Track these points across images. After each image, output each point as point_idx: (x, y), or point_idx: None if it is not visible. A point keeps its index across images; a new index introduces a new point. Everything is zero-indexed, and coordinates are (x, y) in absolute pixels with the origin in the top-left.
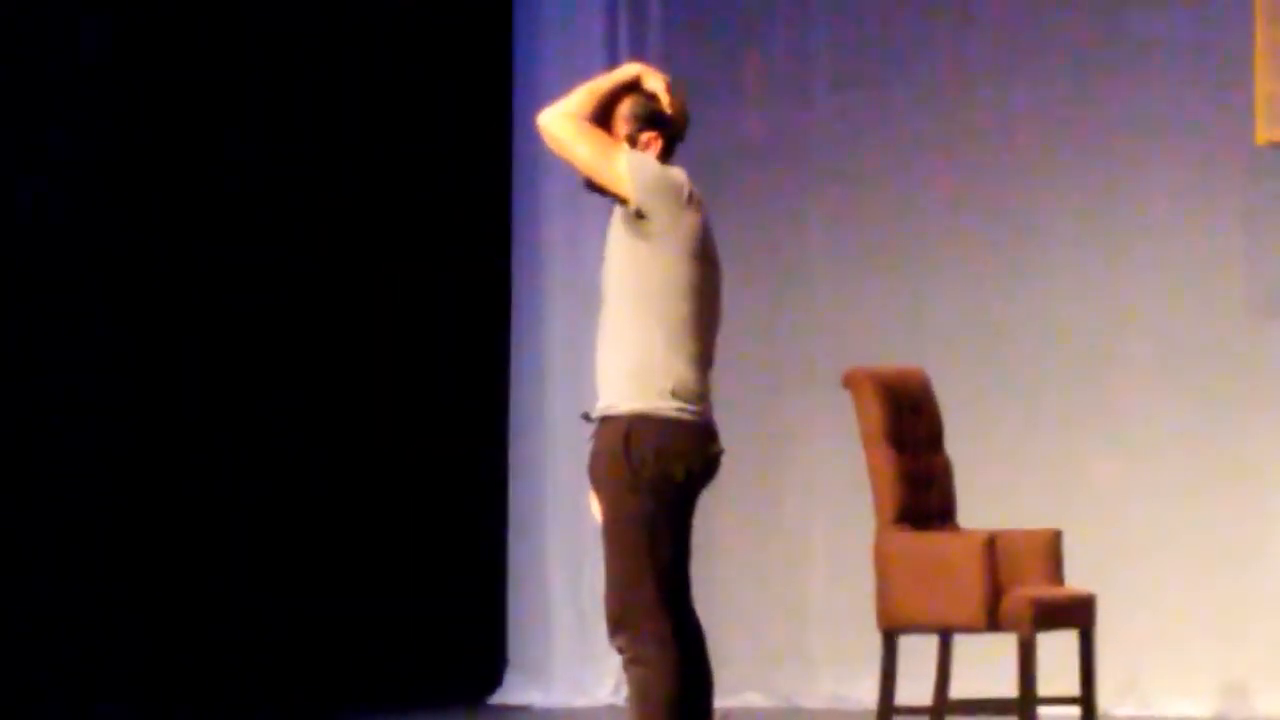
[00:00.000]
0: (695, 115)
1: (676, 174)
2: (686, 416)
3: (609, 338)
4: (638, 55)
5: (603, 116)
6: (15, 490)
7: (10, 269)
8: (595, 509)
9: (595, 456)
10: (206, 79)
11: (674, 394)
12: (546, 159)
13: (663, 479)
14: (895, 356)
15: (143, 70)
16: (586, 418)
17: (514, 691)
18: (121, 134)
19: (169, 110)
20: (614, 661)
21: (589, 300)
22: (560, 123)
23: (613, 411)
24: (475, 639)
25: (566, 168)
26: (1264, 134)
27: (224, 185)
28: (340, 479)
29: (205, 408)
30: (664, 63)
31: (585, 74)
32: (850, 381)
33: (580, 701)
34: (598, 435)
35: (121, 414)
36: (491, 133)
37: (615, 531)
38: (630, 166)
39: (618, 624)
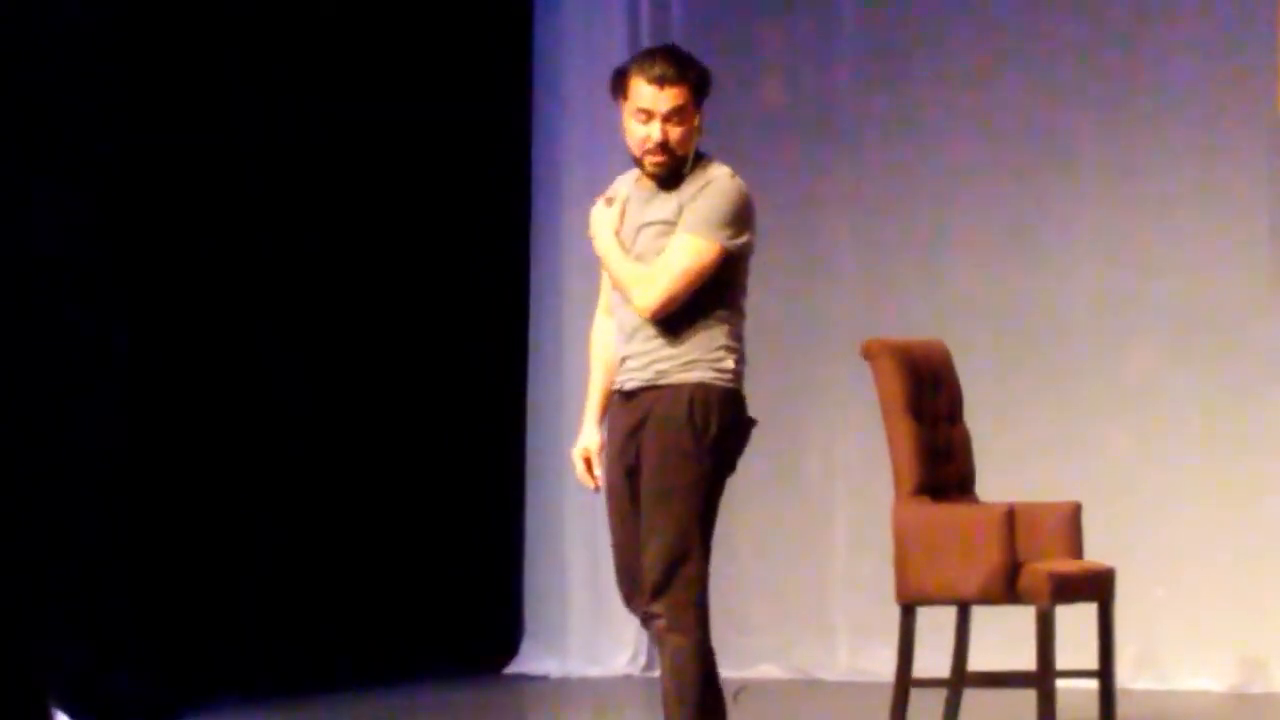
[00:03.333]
0: (717, 85)
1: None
2: (737, 386)
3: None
4: (661, 27)
5: None
6: (43, 482)
7: (28, 266)
8: (596, 476)
9: (661, 421)
10: (222, 64)
11: (733, 366)
12: (567, 148)
13: (723, 448)
14: (915, 328)
15: (152, 63)
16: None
17: (530, 661)
18: (131, 132)
19: (181, 98)
20: (631, 631)
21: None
22: (668, 295)
23: (671, 380)
24: (492, 608)
25: (586, 154)
26: None
27: (238, 178)
28: (360, 452)
29: (230, 387)
30: (687, 32)
31: (607, 49)
32: (870, 353)
33: (596, 671)
34: (656, 401)
35: (149, 385)
36: (512, 119)
37: (676, 498)
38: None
39: (659, 590)
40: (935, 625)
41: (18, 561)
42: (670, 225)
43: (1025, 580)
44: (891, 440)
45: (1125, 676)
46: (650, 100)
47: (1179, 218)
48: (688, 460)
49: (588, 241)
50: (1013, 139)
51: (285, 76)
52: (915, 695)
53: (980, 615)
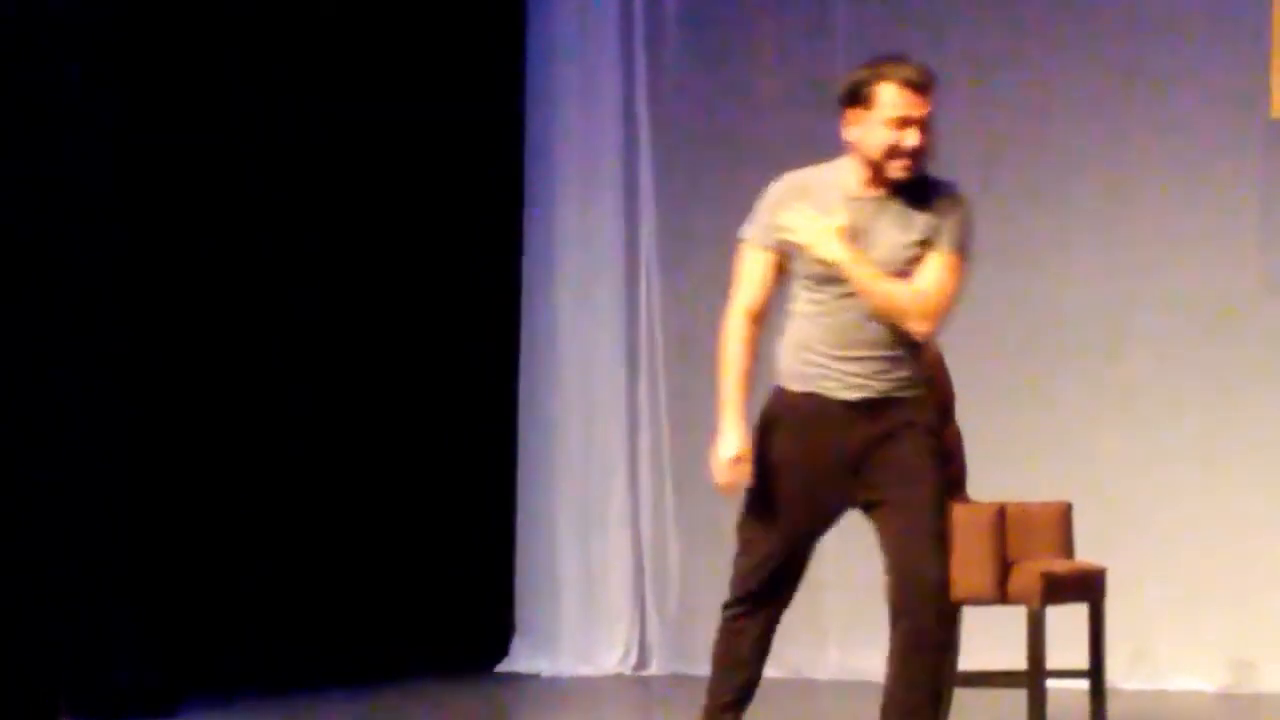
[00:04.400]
0: (711, 80)
1: None
2: None
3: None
4: (654, 21)
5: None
6: (38, 479)
7: (27, 265)
8: (738, 472)
9: (921, 430)
10: (219, 65)
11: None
12: (560, 146)
13: None
14: None
15: (149, 64)
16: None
17: (521, 660)
18: (128, 132)
19: (177, 99)
20: (622, 630)
21: (598, 276)
22: (944, 316)
23: (914, 392)
24: (484, 607)
25: (580, 154)
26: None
27: (236, 178)
28: (355, 451)
29: (227, 388)
30: (682, 36)
31: (599, 44)
32: None
33: (587, 670)
34: (902, 410)
35: (147, 384)
36: (504, 117)
37: (942, 504)
38: None
39: (941, 595)
40: None
41: (19, 559)
42: (925, 243)
43: (1016, 580)
44: None
45: (1116, 676)
46: (907, 105)
47: (1171, 220)
48: (939, 466)
49: (581, 242)
50: (1010, 140)
51: (284, 77)
52: None
53: (971, 615)
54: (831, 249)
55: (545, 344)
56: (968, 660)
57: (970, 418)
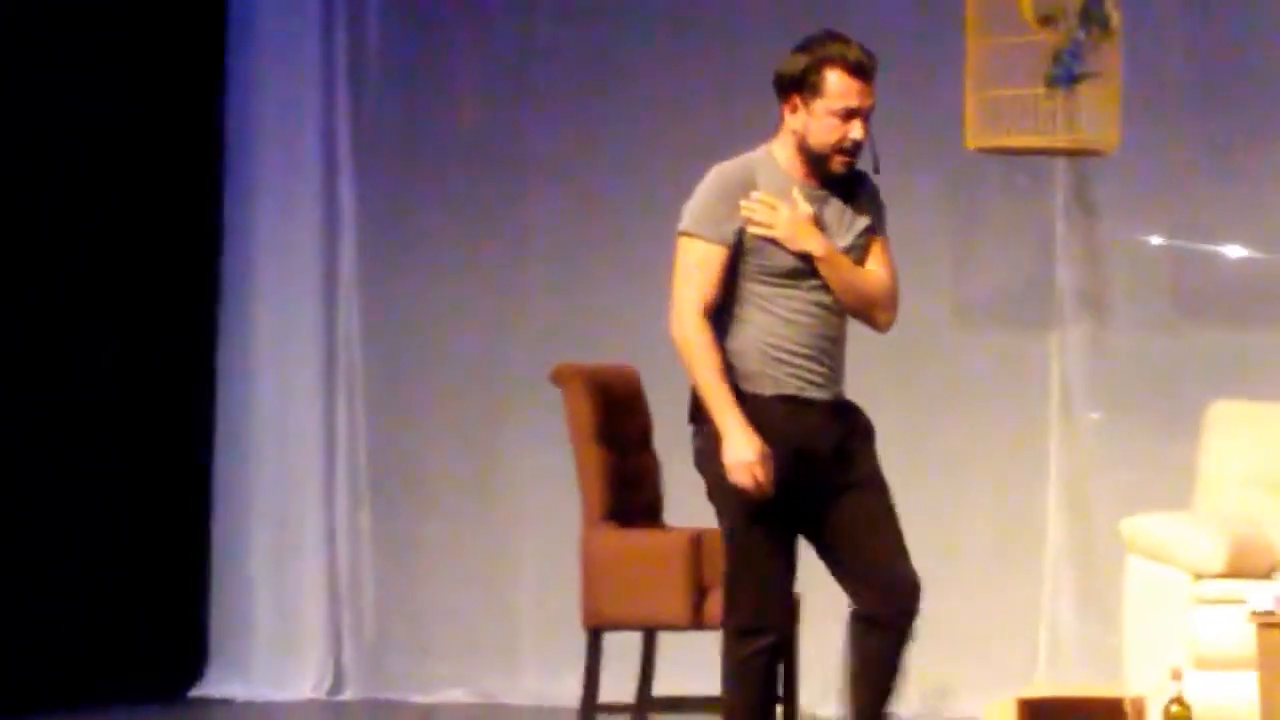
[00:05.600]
0: (411, 105)
1: None
2: None
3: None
4: (356, 37)
5: None
6: None
7: None
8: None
9: (870, 432)
10: None
11: None
12: (259, 139)
13: None
14: (607, 354)
15: None
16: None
17: (215, 684)
18: None
19: None
20: (316, 655)
21: (300, 287)
22: (897, 303)
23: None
24: (177, 632)
25: (281, 149)
26: (974, 139)
27: None
28: (34, 471)
29: None
30: (381, 47)
31: (300, 57)
32: (560, 378)
33: (281, 695)
34: (856, 412)
35: None
36: (201, 111)
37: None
38: None
39: (917, 591)
40: (621, 651)
41: None
42: (866, 232)
43: (711, 606)
44: (580, 466)
45: (811, 702)
46: (857, 96)
47: None
48: None
49: (280, 254)
50: (699, 169)
51: None
52: None
53: (667, 640)
54: (811, 241)
55: (240, 362)
56: (664, 685)
57: (670, 445)
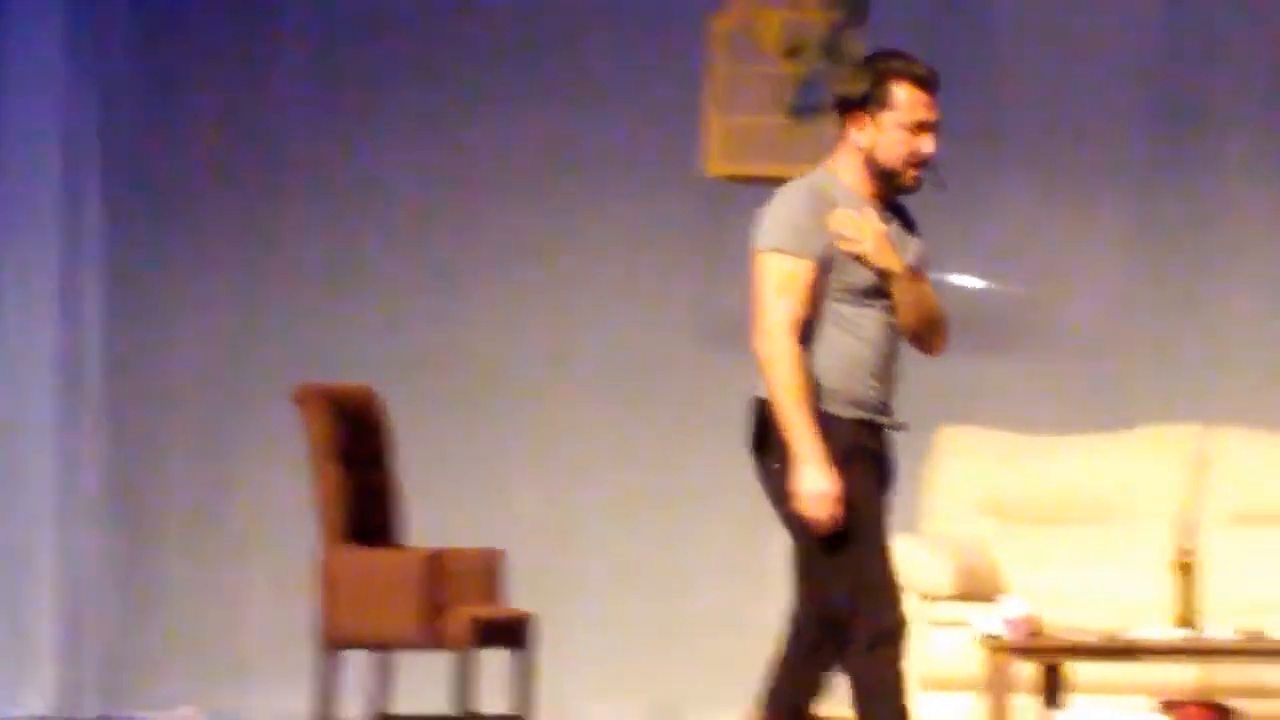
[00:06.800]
0: (155, 120)
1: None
2: None
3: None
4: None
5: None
6: None
7: None
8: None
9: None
10: None
11: None
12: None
13: None
14: (350, 374)
15: None
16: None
17: None
18: None
19: None
20: (47, 671)
21: (39, 308)
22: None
23: None
24: None
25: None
26: (715, 166)
27: None
28: None
29: None
30: (133, 51)
31: (43, 55)
32: (300, 397)
33: (15, 712)
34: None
35: None
36: None
37: None
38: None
39: None
40: (357, 669)
41: None
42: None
43: (447, 625)
44: (318, 485)
45: None
46: (925, 108)
47: (611, 274)
48: None
49: (16, 263)
50: (466, 189)
51: None
52: None
53: (406, 659)
54: (892, 257)
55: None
56: (401, 704)
57: (410, 464)
